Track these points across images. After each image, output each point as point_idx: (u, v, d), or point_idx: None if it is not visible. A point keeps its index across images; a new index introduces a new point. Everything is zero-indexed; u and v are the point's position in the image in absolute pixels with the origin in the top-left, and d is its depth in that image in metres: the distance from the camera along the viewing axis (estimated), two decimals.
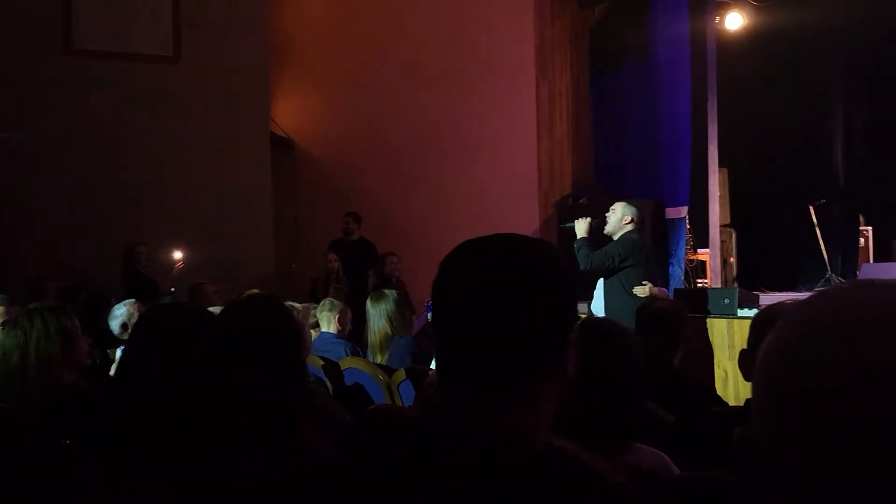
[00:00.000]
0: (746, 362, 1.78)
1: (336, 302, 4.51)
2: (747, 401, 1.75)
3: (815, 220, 8.33)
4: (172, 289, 6.37)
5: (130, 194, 7.40)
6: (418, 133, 8.42)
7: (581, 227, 5.14)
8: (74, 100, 7.35)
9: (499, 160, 8.10)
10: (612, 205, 5.38)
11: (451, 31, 8.38)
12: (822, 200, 8.46)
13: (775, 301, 6.33)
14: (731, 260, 8.67)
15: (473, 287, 1.05)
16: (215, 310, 2.37)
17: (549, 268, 1.09)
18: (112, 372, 2.82)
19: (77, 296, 5.43)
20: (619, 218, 5.15)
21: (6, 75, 7.14)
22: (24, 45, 7.25)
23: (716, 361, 5.30)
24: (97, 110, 7.40)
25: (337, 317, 4.29)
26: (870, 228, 8.28)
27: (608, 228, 5.17)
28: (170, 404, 1.54)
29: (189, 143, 7.73)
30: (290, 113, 9.14)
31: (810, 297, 0.73)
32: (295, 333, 1.65)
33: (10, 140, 6.88)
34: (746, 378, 1.80)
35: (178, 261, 6.73)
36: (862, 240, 8.21)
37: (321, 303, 4.59)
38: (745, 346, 1.97)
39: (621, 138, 8.20)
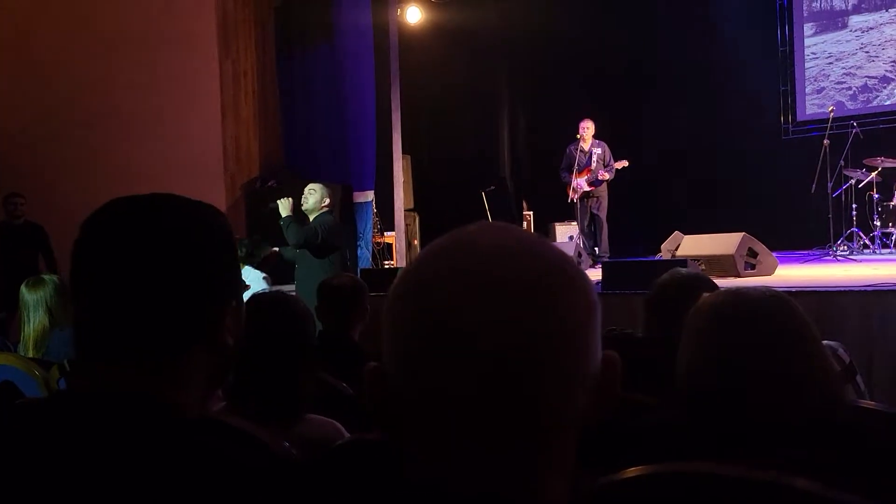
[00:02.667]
0: None
1: None
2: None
3: (486, 205, 9.11)
4: None
5: None
6: (92, 106, 7.68)
7: (285, 205, 5.27)
8: None
9: (182, 139, 7.70)
10: (301, 188, 5.47)
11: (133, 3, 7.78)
12: (492, 187, 9.29)
13: None
14: (416, 242, 9.17)
15: (120, 252, 0.98)
16: None
17: (207, 234, 1.05)
18: None
19: None
20: (319, 198, 5.32)
21: None
22: None
23: None
24: None
25: None
26: (531, 213, 9.26)
27: (307, 206, 5.31)
28: None
29: None
30: None
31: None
32: None
33: None
34: None
35: None
36: (525, 223, 9.14)
37: None
38: None
39: (309, 122, 8.23)
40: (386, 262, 8.30)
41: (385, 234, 8.52)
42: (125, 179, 7.61)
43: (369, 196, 8.15)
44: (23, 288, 3.51)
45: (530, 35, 9.64)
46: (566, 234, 8.69)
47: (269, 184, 7.78)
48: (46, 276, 3.56)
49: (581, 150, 7.93)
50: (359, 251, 7.85)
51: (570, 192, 8.02)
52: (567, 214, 8.49)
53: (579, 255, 7.11)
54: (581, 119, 8.02)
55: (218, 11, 7.73)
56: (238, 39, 7.97)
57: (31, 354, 3.34)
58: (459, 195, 9.34)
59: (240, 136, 7.99)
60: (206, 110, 7.73)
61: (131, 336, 0.95)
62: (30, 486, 0.86)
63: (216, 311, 1.01)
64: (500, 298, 0.64)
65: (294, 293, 3.50)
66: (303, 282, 5.18)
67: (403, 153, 8.37)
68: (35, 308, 3.42)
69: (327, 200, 5.35)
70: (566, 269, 0.67)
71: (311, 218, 5.31)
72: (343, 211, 7.49)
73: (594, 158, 7.93)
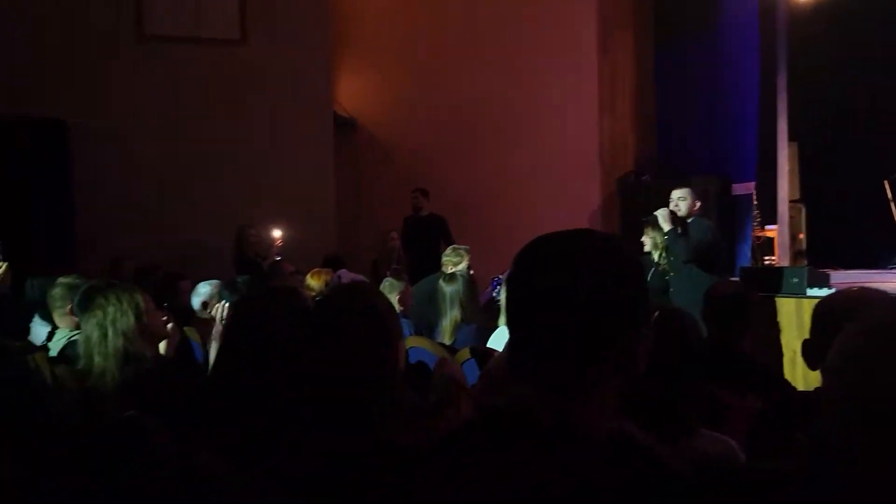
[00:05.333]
0: (810, 352, 1.76)
1: (396, 282, 4.57)
2: (817, 389, 1.74)
3: (890, 196, 8.05)
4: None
5: (200, 177, 7.61)
6: (481, 111, 8.41)
7: (664, 216, 5.14)
8: (145, 85, 7.56)
9: (561, 138, 8.05)
10: (675, 183, 5.40)
11: (512, 7, 8.32)
12: None
13: (846, 279, 6.15)
14: (801, 236, 8.44)
15: (549, 285, 1.08)
16: None
17: (625, 268, 1.11)
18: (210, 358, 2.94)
19: (152, 275, 5.63)
20: (691, 203, 5.25)
21: (82, 62, 7.39)
22: (98, 32, 7.48)
23: (784, 342, 5.19)
24: (167, 95, 7.61)
25: (398, 296, 4.34)
26: None
27: (681, 213, 5.23)
28: (260, 391, 1.62)
29: (253, 125, 7.88)
30: (352, 93, 9.22)
31: (880, 297, 0.74)
32: (387, 328, 1.68)
33: (84, 126, 7.13)
34: (811, 367, 1.78)
35: (278, 239, 6.87)
36: None
37: (382, 283, 4.66)
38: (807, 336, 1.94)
39: (686, 113, 8.03)
40: (766, 259, 7.79)
41: (766, 227, 7.98)
42: (507, 178, 8.20)
43: (749, 188, 7.71)
44: (440, 282, 3.98)
45: None
46: None
47: (643, 178, 7.77)
48: (459, 274, 3.99)
49: None
50: (737, 247, 7.48)
51: None
52: None
53: None
54: None
55: (598, 11, 7.91)
56: (616, 36, 8.08)
57: (447, 342, 3.78)
58: (854, 184, 8.38)
59: (616, 132, 8.10)
60: (584, 107, 7.98)
61: (562, 362, 1.05)
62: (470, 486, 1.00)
63: (634, 338, 1.08)
64: None
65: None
66: (679, 292, 5.10)
67: (789, 140, 7.77)
68: (451, 301, 3.87)
69: (698, 203, 5.33)
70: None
71: (689, 221, 5.24)
72: (720, 205, 7.20)
73: None
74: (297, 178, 7.98)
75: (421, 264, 7.26)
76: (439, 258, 6.30)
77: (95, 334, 2.57)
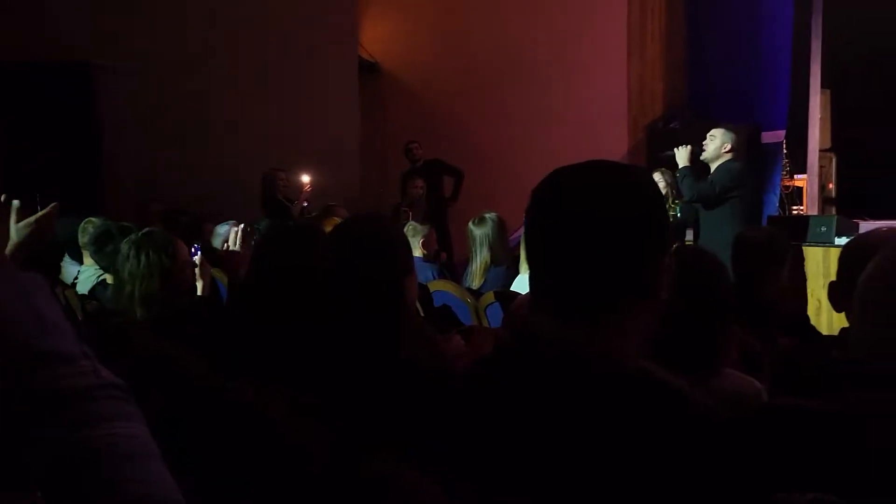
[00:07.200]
0: (836, 294, 1.74)
1: (419, 226, 4.59)
2: (842, 330, 1.73)
3: None
4: (306, 207, 6.53)
5: (225, 118, 7.59)
6: (507, 56, 8.28)
7: (682, 155, 4.99)
8: (168, 23, 7.51)
9: (588, 83, 7.92)
10: (705, 130, 5.23)
11: None
12: None
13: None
14: (830, 186, 8.31)
15: (566, 214, 1.08)
16: None
17: (642, 194, 1.11)
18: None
19: (179, 219, 5.68)
20: (718, 145, 4.98)
21: (103, 4, 7.36)
22: None
23: (809, 290, 5.16)
24: (187, 36, 7.56)
25: (422, 241, 4.37)
26: None
27: (706, 155, 5.02)
28: (286, 320, 1.64)
29: (278, 67, 7.83)
30: (377, 37, 9.11)
31: None
32: (399, 252, 1.71)
33: (109, 68, 7.12)
34: (837, 310, 1.76)
35: (307, 184, 6.89)
36: None
37: (406, 226, 4.68)
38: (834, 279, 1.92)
39: (716, 59, 7.85)
40: (794, 208, 7.69)
41: (795, 177, 7.86)
42: (533, 123, 8.11)
43: (780, 136, 7.56)
44: (470, 225, 4.00)
45: None
46: None
47: (672, 125, 7.65)
48: (488, 216, 4.00)
49: None
50: (765, 196, 7.38)
51: None
52: None
53: None
54: None
55: None
56: None
57: (475, 285, 3.81)
58: (887, 133, 8.19)
59: (644, 77, 7.95)
60: (612, 53, 7.83)
61: (581, 291, 1.05)
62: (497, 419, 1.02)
63: (654, 266, 1.07)
64: None
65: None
66: (706, 234, 5.03)
67: (822, 88, 7.59)
68: (481, 244, 3.88)
69: (728, 146, 4.99)
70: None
71: (713, 167, 5.02)
72: (750, 153, 7.07)
73: None
74: (322, 121, 7.95)
75: (437, 210, 7.39)
76: (446, 200, 6.41)
77: (124, 272, 2.61)
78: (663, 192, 5.19)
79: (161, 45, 7.43)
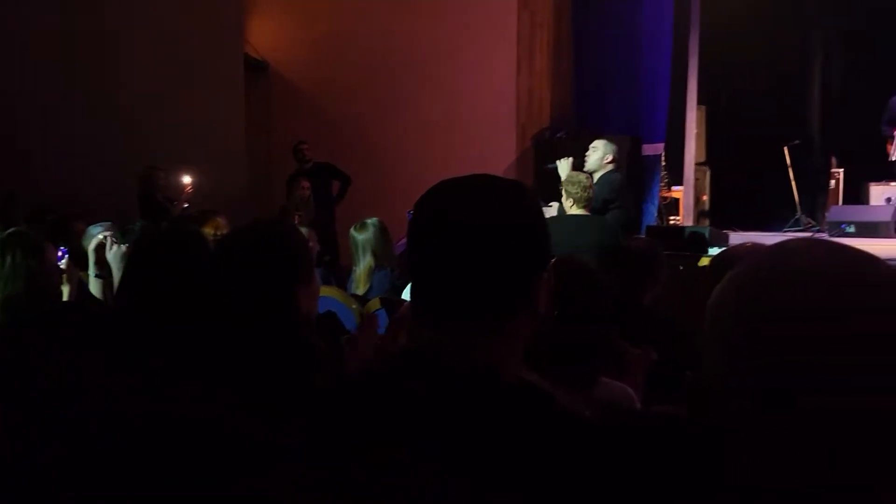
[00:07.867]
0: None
1: (304, 229, 4.52)
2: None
3: (788, 161, 8.41)
4: (187, 209, 6.23)
5: (102, 110, 7.22)
6: (397, 58, 8.28)
7: (564, 166, 5.05)
8: (47, 5, 7.07)
9: (478, 91, 8.01)
10: (590, 141, 5.35)
11: None
12: (797, 141, 8.53)
13: (744, 240, 6.43)
14: (704, 198, 8.75)
15: (448, 227, 1.07)
16: None
17: (524, 208, 1.11)
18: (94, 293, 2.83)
19: (44, 217, 5.34)
20: (600, 157, 5.09)
21: None
22: None
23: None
24: (72, 20, 7.15)
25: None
26: (841, 171, 8.37)
27: (588, 166, 5.10)
28: (167, 328, 1.57)
29: (160, 61, 7.53)
30: (265, 35, 8.92)
31: (766, 250, 0.76)
32: (299, 258, 1.67)
33: None
34: None
35: (188, 184, 6.60)
36: (833, 182, 8.30)
37: None
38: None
39: (601, 71, 8.11)
40: (672, 219, 8.04)
41: (672, 188, 8.23)
42: (423, 128, 8.14)
43: (659, 149, 7.89)
44: (352, 231, 3.96)
45: None
46: (883, 195, 7.76)
47: (559, 135, 7.85)
48: (370, 221, 3.97)
49: None
50: (644, 206, 7.68)
51: (891, 150, 7.14)
52: (886, 174, 7.58)
53: None
54: None
55: None
56: None
57: (360, 291, 3.77)
58: (756, 149, 8.71)
59: (533, 88, 8.12)
60: (502, 61, 7.96)
61: (464, 302, 1.04)
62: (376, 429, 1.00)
63: (534, 279, 1.08)
64: None
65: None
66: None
67: (698, 104, 7.97)
68: (364, 250, 3.85)
69: (610, 157, 5.08)
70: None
71: (595, 178, 5.17)
72: (630, 165, 7.34)
73: None
74: (206, 120, 7.70)
75: (323, 212, 7.30)
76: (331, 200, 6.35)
77: None
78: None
79: (42, 27, 6.98)
